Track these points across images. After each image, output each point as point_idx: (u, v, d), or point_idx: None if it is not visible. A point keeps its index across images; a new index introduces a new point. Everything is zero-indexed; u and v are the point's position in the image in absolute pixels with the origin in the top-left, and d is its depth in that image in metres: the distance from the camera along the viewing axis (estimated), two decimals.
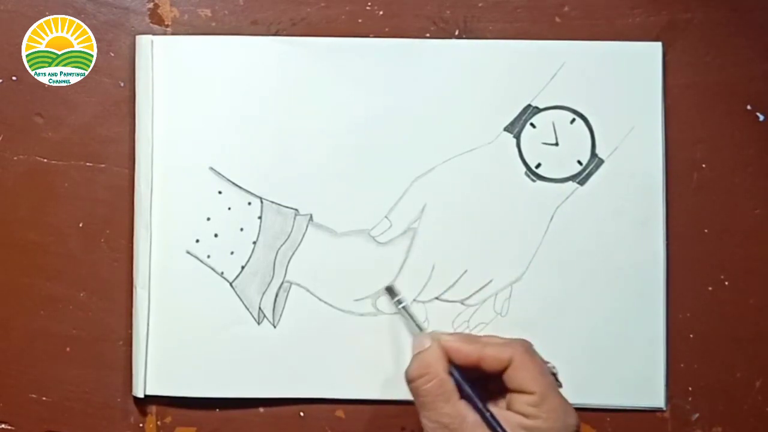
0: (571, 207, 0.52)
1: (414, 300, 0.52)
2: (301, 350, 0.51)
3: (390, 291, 0.51)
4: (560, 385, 0.45)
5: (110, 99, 0.53)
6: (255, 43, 0.52)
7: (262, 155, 0.52)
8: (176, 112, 0.52)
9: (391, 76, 0.52)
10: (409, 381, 0.45)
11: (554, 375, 0.45)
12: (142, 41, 0.52)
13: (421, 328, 0.49)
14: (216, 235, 0.52)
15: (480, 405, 0.43)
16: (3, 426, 0.52)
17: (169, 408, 0.52)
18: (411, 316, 0.49)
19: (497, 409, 0.44)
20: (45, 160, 0.53)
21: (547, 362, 0.45)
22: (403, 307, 0.50)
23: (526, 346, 0.45)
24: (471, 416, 0.43)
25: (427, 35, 0.53)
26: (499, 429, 0.42)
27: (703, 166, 0.53)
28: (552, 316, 0.51)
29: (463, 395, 0.44)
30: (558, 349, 0.51)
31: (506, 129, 0.52)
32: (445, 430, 0.43)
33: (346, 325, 0.51)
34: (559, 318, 0.51)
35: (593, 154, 0.52)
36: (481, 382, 0.44)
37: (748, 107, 0.53)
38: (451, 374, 0.44)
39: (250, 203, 0.52)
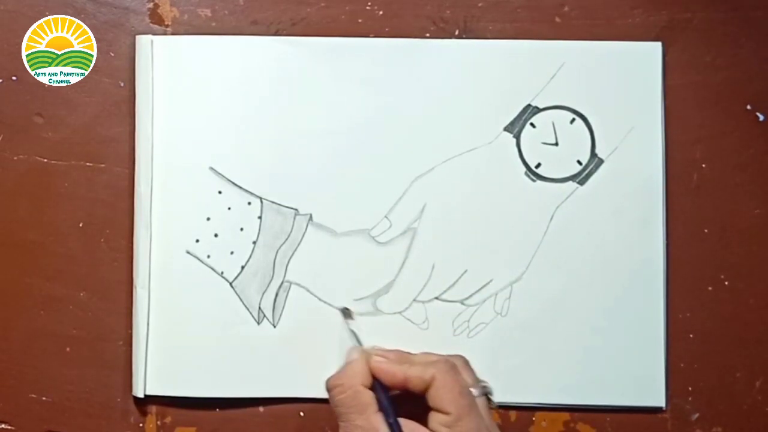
0: (571, 207, 0.52)
1: (414, 300, 0.52)
2: (301, 350, 0.51)
3: (345, 313, 0.51)
4: (492, 406, 0.45)
5: (110, 99, 0.53)
6: (255, 43, 0.52)
7: (262, 155, 0.52)
8: (176, 112, 0.52)
9: (391, 76, 0.52)
10: (328, 390, 0.46)
11: (487, 395, 0.45)
12: (142, 41, 0.52)
13: (360, 344, 0.48)
14: (216, 235, 0.52)
15: (390, 418, 0.44)
16: (3, 426, 0.52)
17: (169, 408, 0.52)
18: (355, 334, 0.49)
19: (415, 425, 0.44)
20: (45, 160, 0.53)
21: (481, 381, 0.45)
22: (352, 331, 0.49)
23: (451, 365, 0.45)
24: (383, 429, 0.43)
25: (427, 35, 0.53)
26: None
27: (703, 166, 0.53)
28: (552, 316, 0.51)
29: (381, 407, 0.44)
30: (558, 349, 0.51)
31: (506, 129, 0.52)
32: None
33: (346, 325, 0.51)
34: (559, 318, 0.51)
35: (593, 154, 0.52)
36: (414, 399, 0.45)
37: (748, 107, 0.53)
38: (372, 387, 0.45)
39: (250, 203, 0.52)
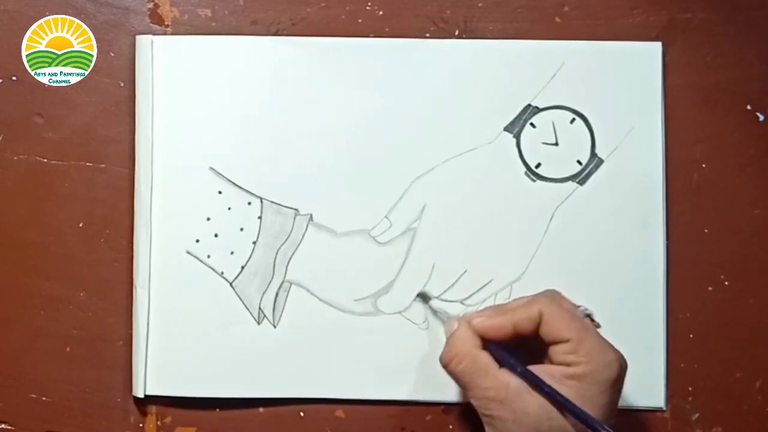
0: (571, 207, 0.52)
1: (414, 300, 0.52)
2: (301, 350, 0.51)
3: (424, 297, 0.51)
4: (598, 326, 0.45)
5: (110, 99, 0.53)
6: (255, 43, 0.52)
7: (262, 155, 0.52)
8: (176, 112, 0.52)
9: (391, 76, 0.52)
10: (444, 366, 0.46)
11: (589, 317, 0.46)
12: (142, 41, 0.52)
13: (449, 316, 0.49)
14: (216, 235, 0.52)
15: (519, 368, 0.44)
16: (3, 426, 0.52)
17: (169, 408, 0.52)
18: (442, 311, 0.50)
19: (540, 366, 0.44)
20: (45, 160, 0.53)
21: (579, 306, 0.46)
22: (437, 308, 0.50)
23: (552, 296, 0.45)
24: (513, 382, 0.44)
25: (427, 35, 0.53)
26: (542, 385, 0.43)
27: (703, 166, 0.52)
28: None
29: (502, 363, 0.44)
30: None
31: (506, 129, 0.52)
32: (493, 403, 0.44)
33: (346, 325, 0.51)
34: None
35: (593, 154, 0.52)
36: (524, 345, 0.45)
37: (748, 107, 0.53)
38: (486, 348, 0.45)
39: (250, 203, 0.52)
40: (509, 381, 0.44)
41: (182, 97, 0.52)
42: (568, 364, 0.43)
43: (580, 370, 0.43)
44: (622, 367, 0.44)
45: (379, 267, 0.52)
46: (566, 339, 0.43)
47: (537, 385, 0.43)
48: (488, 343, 0.46)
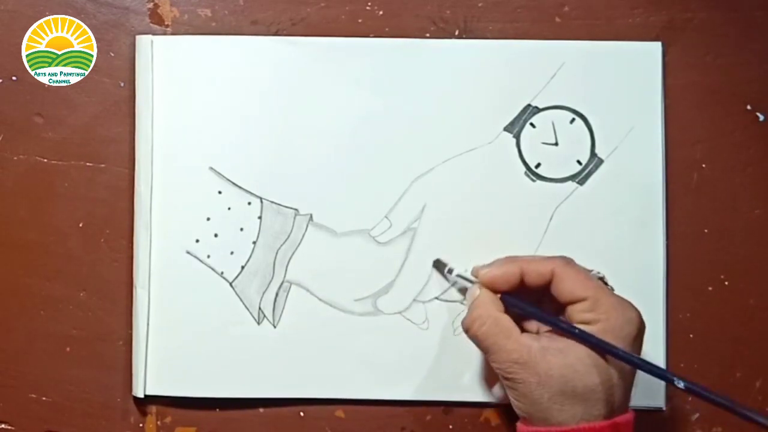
0: (571, 207, 0.52)
1: (414, 300, 0.52)
2: (301, 350, 0.51)
3: (439, 265, 0.51)
4: (612, 289, 0.46)
5: (110, 99, 0.53)
6: (255, 43, 0.52)
7: (262, 155, 0.52)
8: (176, 112, 0.52)
9: (391, 76, 0.52)
10: (466, 330, 0.46)
11: (602, 279, 0.46)
12: (142, 41, 0.52)
13: (471, 281, 0.49)
14: (216, 235, 0.52)
15: (544, 316, 0.44)
16: (3, 426, 0.52)
17: (169, 408, 0.52)
18: (461, 276, 0.49)
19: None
20: (45, 160, 0.53)
21: (591, 270, 0.46)
22: (457, 275, 0.50)
23: (567, 260, 0.46)
24: (535, 344, 0.44)
25: (427, 35, 0.53)
26: (572, 329, 0.43)
27: (703, 166, 0.52)
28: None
29: (527, 316, 0.45)
30: None
31: (506, 129, 0.52)
32: (516, 366, 0.44)
33: (346, 325, 0.51)
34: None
35: (593, 154, 0.52)
36: (536, 306, 0.46)
37: (748, 107, 0.53)
38: (504, 305, 0.46)
39: (250, 203, 0.52)
40: (531, 344, 0.44)
41: (182, 97, 0.52)
42: (587, 322, 0.43)
43: (600, 327, 0.43)
44: (642, 323, 0.44)
45: (379, 267, 0.52)
46: (583, 297, 0.44)
47: (567, 330, 0.43)
48: (509, 299, 0.46)
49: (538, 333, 0.46)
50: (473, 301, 0.47)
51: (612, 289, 0.46)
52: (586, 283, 0.44)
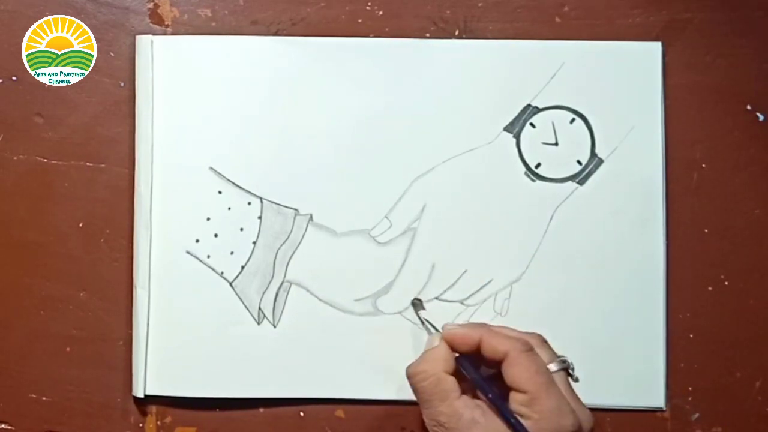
0: (571, 207, 0.52)
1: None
2: (301, 350, 0.51)
3: (415, 305, 0.51)
4: (576, 380, 0.45)
5: (110, 99, 0.53)
6: (255, 43, 0.52)
7: (262, 155, 0.52)
8: (176, 112, 0.52)
9: (391, 76, 0.52)
10: (408, 377, 0.46)
11: (567, 371, 0.45)
12: (142, 41, 0.52)
13: (437, 330, 0.48)
14: (216, 235, 0.52)
15: (490, 393, 0.44)
16: (3, 426, 0.52)
17: (169, 408, 0.52)
18: (429, 322, 0.49)
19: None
20: (45, 160, 0.53)
21: (560, 356, 0.45)
22: (425, 320, 0.50)
23: (528, 345, 0.45)
24: (467, 414, 0.44)
25: (427, 35, 0.53)
26: (507, 415, 0.43)
27: (703, 166, 0.53)
28: (552, 316, 0.51)
29: (473, 382, 0.45)
30: (558, 349, 0.51)
31: (506, 129, 0.52)
32: (441, 428, 0.44)
33: (346, 325, 0.51)
34: (558, 318, 0.51)
35: (593, 154, 0.52)
36: (485, 379, 0.45)
37: (748, 107, 0.53)
38: (457, 366, 0.45)
39: (250, 203, 0.52)
40: (463, 412, 0.44)
41: (182, 97, 0.52)
42: (520, 415, 0.43)
43: (530, 424, 0.42)
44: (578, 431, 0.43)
45: (379, 267, 0.52)
46: (524, 390, 0.43)
47: (504, 415, 0.43)
48: (464, 362, 0.45)
49: (480, 398, 0.46)
50: (427, 351, 0.47)
51: (576, 380, 0.45)
52: (534, 377, 0.43)
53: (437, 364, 0.45)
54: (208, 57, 0.52)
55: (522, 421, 0.42)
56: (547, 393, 0.43)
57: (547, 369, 0.44)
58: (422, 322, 0.50)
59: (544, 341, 0.46)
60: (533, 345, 0.45)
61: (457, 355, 0.46)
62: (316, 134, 0.52)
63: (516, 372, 0.44)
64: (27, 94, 0.53)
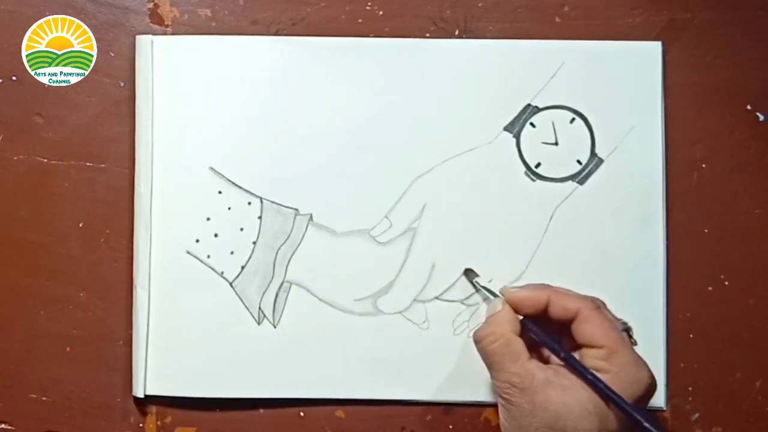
0: (571, 206, 0.52)
1: (414, 300, 0.52)
2: (301, 350, 0.51)
3: (468, 273, 0.51)
4: (635, 343, 0.46)
5: (110, 99, 0.53)
6: (255, 43, 0.52)
7: (262, 155, 0.52)
8: (176, 112, 0.52)
9: (391, 76, 0.52)
10: (476, 342, 0.46)
11: (627, 332, 0.46)
12: (142, 41, 0.52)
13: (497, 295, 0.49)
14: (216, 235, 0.52)
15: (563, 352, 0.44)
16: (3, 426, 0.52)
17: (169, 408, 0.52)
18: (488, 288, 0.50)
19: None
20: (45, 160, 0.53)
21: (619, 319, 0.46)
22: (483, 287, 0.50)
23: (597, 303, 0.46)
24: (540, 375, 0.44)
25: (427, 35, 0.53)
26: (585, 372, 0.43)
27: (703, 166, 0.52)
28: None
29: (538, 342, 0.45)
30: None
31: (506, 128, 0.52)
32: (514, 390, 0.44)
33: (346, 325, 0.51)
34: None
35: (593, 154, 0.52)
36: (555, 338, 0.45)
37: (748, 107, 0.53)
38: (522, 328, 0.45)
39: (250, 203, 0.52)
40: (536, 373, 0.44)
41: (182, 97, 0.52)
42: (597, 369, 0.43)
43: (608, 378, 0.43)
44: (651, 387, 0.44)
45: (379, 267, 0.52)
46: (600, 345, 0.44)
47: (580, 371, 0.43)
48: (527, 322, 0.46)
49: (548, 362, 0.46)
50: (492, 315, 0.47)
51: (635, 343, 0.46)
52: (609, 332, 0.44)
53: (504, 326, 0.45)
54: (208, 57, 0.52)
55: (600, 375, 0.43)
56: (624, 347, 0.44)
57: (619, 326, 0.45)
58: (477, 290, 0.50)
59: (604, 304, 0.47)
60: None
61: (521, 317, 0.46)
62: (316, 134, 0.52)
63: (590, 328, 0.44)
64: (27, 94, 0.53)
